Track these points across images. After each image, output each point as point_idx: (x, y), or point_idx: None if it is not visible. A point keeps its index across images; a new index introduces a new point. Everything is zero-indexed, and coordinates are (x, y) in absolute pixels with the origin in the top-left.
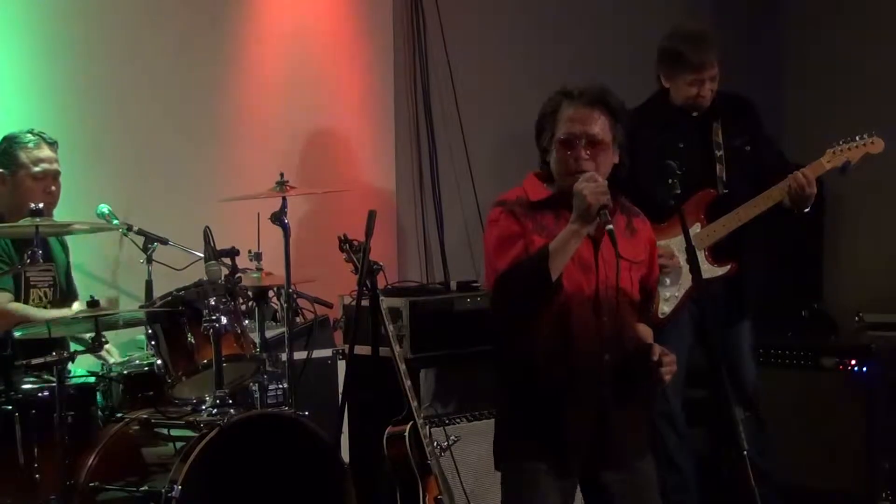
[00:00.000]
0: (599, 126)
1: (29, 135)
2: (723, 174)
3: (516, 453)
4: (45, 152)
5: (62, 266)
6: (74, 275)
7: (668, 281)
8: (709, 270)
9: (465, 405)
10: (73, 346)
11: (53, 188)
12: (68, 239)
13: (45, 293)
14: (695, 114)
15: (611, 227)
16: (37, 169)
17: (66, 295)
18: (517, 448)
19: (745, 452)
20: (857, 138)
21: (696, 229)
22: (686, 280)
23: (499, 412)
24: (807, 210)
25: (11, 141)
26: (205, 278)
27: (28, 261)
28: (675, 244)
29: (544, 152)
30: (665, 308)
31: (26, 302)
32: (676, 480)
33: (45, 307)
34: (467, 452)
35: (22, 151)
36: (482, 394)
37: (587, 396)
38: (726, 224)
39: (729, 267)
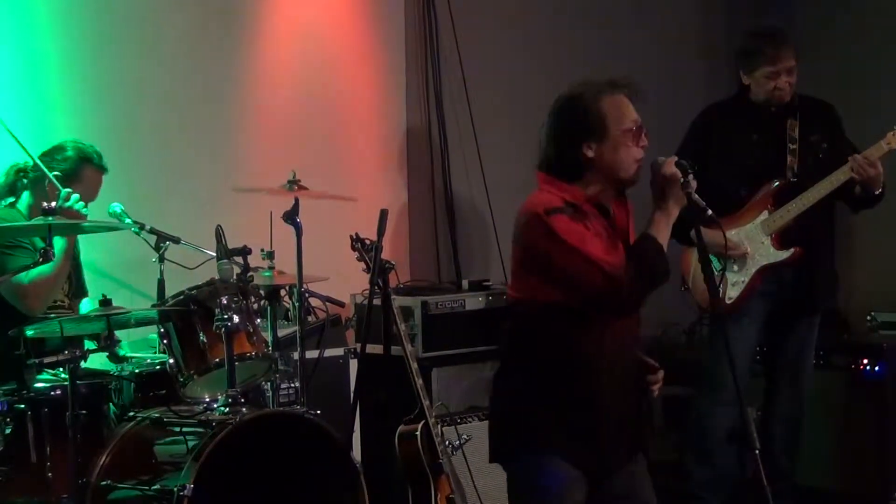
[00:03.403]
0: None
1: (96, 155)
2: (794, 165)
3: (547, 446)
4: (100, 179)
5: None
6: (86, 273)
7: (735, 267)
8: (773, 255)
9: (477, 404)
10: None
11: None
12: (80, 237)
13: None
14: (773, 109)
15: (711, 212)
16: (90, 193)
17: (77, 289)
18: (543, 442)
19: (757, 451)
20: None
21: (763, 216)
22: (753, 266)
23: (519, 406)
24: (879, 192)
25: (84, 161)
26: (217, 277)
27: (41, 259)
28: (743, 233)
29: (582, 148)
30: (732, 293)
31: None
32: (707, 475)
33: (62, 298)
34: (479, 451)
35: (88, 172)
36: None
37: (620, 389)
38: (791, 209)
39: (792, 251)
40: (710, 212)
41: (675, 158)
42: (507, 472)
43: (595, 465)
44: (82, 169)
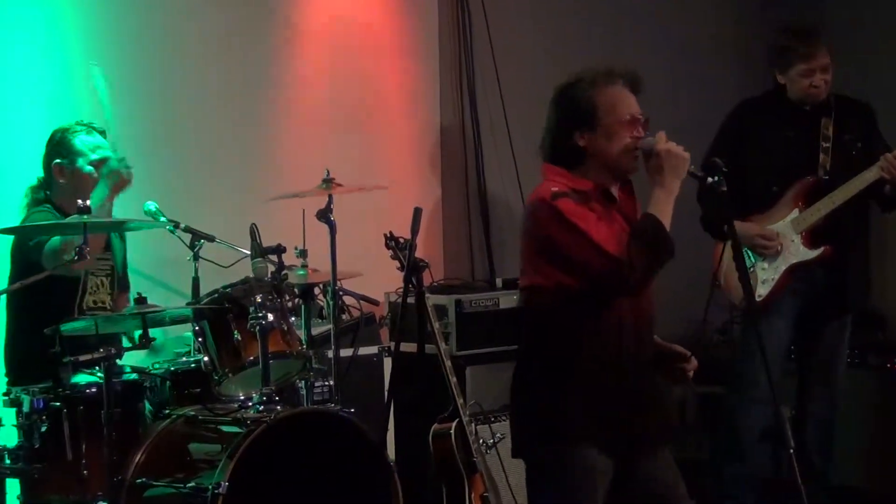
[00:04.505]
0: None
1: (78, 125)
2: (826, 163)
3: (569, 436)
4: (98, 139)
5: (119, 256)
6: None
7: (765, 264)
8: (803, 253)
9: None
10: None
11: None
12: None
13: (101, 281)
14: (807, 107)
15: (710, 178)
16: (94, 156)
17: (122, 284)
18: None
19: (792, 450)
20: None
21: (794, 214)
22: (783, 263)
23: (539, 396)
24: None
25: (63, 131)
26: (251, 275)
27: (76, 257)
28: (776, 229)
29: (574, 137)
30: (762, 290)
31: (84, 290)
32: (740, 474)
33: (104, 297)
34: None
35: (76, 139)
36: None
37: (638, 374)
38: (821, 208)
39: (822, 250)
40: (709, 179)
41: (664, 133)
42: (529, 464)
43: (620, 448)
44: (69, 142)
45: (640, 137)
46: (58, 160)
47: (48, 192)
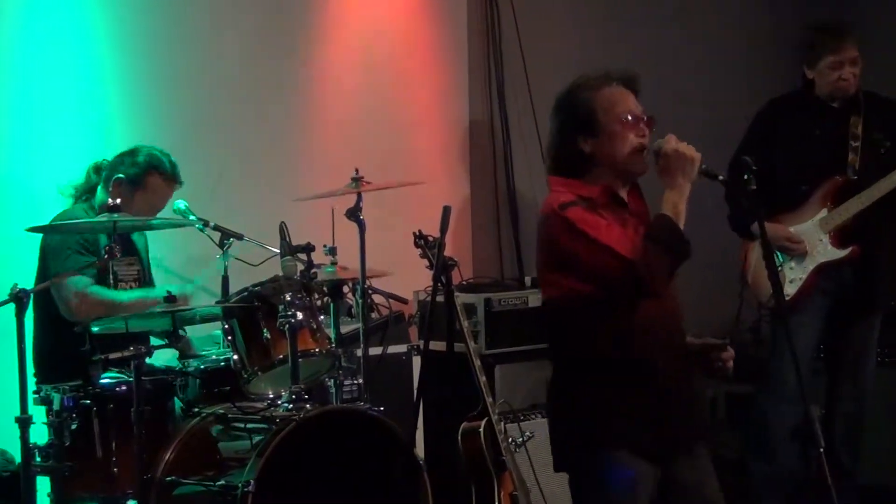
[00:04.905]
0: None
1: (169, 164)
2: (855, 163)
3: (608, 443)
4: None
5: (144, 255)
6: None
7: (793, 263)
8: (831, 253)
9: (540, 401)
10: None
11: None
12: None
13: (130, 287)
14: (836, 104)
15: (722, 176)
16: (155, 202)
17: (148, 283)
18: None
19: (822, 449)
20: None
21: (822, 214)
22: (811, 263)
23: (576, 406)
24: None
25: (151, 168)
26: (280, 274)
27: (105, 255)
28: (802, 230)
29: (578, 144)
30: (789, 289)
31: None
32: (770, 473)
33: None
34: (542, 448)
35: (154, 180)
36: None
37: (670, 374)
38: (850, 207)
39: (850, 250)
40: (721, 176)
41: (674, 136)
42: (573, 475)
43: (662, 450)
44: (147, 176)
45: (646, 136)
46: (121, 176)
47: (96, 186)
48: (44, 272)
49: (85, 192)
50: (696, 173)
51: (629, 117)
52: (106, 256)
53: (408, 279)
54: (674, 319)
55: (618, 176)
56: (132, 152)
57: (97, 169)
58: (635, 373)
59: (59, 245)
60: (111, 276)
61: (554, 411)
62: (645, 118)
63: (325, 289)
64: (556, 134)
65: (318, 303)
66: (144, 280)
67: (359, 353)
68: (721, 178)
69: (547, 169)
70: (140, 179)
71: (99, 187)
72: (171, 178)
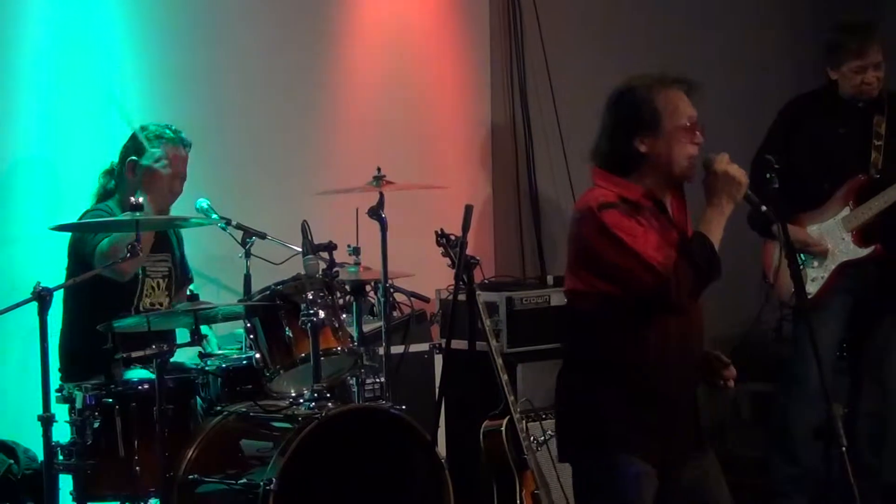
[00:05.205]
0: None
1: (168, 129)
2: (878, 162)
3: (610, 443)
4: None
5: (178, 252)
6: None
7: (815, 262)
8: (853, 251)
9: None
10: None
11: (177, 189)
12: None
13: (158, 283)
14: (860, 104)
15: (765, 207)
16: (176, 171)
17: (181, 282)
18: (611, 438)
19: (844, 448)
20: None
21: (844, 212)
22: (832, 262)
23: (584, 402)
24: None
25: (155, 136)
26: (303, 272)
27: (128, 255)
28: (824, 229)
29: (634, 143)
30: (811, 288)
31: (142, 292)
32: (792, 472)
33: (161, 299)
34: None
35: (165, 146)
36: None
37: (681, 384)
38: (873, 206)
39: (873, 248)
40: (764, 208)
41: (727, 155)
42: (576, 470)
43: (664, 457)
44: (154, 148)
45: (699, 144)
46: (133, 157)
47: (116, 186)
48: (75, 267)
49: (102, 197)
50: (740, 197)
51: (688, 123)
52: (129, 255)
53: (430, 278)
54: (693, 335)
55: (665, 179)
56: (131, 137)
57: (108, 172)
58: (645, 378)
59: (86, 237)
60: (140, 272)
61: (562, 404)
62: (700, 125)
63: (347, 287)
64: (610, 129)
65: (341, 301)
66: (176, 275)
67: (381, 351)
68: (764, 208)
69: (591, 161)
70: (149, 152)
71: (114, 184)
72: (176, 141)
